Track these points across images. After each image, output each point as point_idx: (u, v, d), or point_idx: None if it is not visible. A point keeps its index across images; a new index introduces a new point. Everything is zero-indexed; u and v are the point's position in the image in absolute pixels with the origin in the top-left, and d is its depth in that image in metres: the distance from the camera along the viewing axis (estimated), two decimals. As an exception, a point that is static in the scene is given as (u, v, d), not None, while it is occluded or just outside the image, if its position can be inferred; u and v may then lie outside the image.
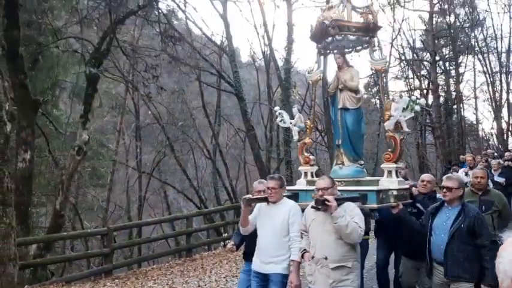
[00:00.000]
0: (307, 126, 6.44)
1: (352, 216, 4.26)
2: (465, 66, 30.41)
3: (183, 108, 24.20)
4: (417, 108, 5.36)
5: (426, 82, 28.01)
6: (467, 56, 29.58)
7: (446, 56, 27.99)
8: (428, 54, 27.03)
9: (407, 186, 5.64)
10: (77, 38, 16.33)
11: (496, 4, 37.84)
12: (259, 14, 20.75)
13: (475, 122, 33.61)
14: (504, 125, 32.46)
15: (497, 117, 32.59)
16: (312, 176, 6.29)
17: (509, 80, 32.62)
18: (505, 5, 30.01)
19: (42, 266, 10.71)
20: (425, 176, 5.87)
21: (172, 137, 23.52)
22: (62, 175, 12.14)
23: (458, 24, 27.82)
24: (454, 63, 28.45)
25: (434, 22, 25.80)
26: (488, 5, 32.48)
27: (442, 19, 26.97)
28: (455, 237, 4.30)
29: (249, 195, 4.91)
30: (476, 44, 29.73)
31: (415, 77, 26.30)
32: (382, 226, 6.18)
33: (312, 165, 6.38)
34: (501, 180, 10.25)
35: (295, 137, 6.54)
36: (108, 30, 13.60)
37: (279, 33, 41.48)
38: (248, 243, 5.26)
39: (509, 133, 33.03)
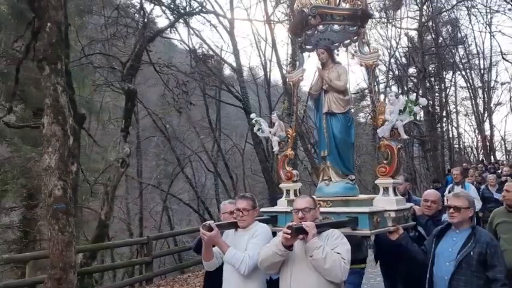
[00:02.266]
0: (289, 136, 5.04)
1: (334, 246, 3.00)
2: (450, 83, 29.51)
3: (179, 121, 22.78)
4: (416, 109, 3.98)
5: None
6: (453, 73, 28.66)
7: (432, 72, 26.87)
8: (413, 69, 25.97)
9: (408, 206, 4.23)
10: (104, 55, 15.92)
11: (478, 23, 37.10)
12: (256, 31, 19.87)
13: (456, 136, 32.78)
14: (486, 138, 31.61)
15: (481, 131, 31.56)
16: (295, 195, 4.86)
17: (491, 95, 31.76)
18: (487, 24, 29.17)
19: (88, 274, 10.51)
20: (430, 195, 4.49)
21: (173, 150, 21.96)
22: (107, 186, 11.90)
23: (441, 41, 26.81)
24: (437, 78, 27.44)
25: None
26: (470, 23, 31.52)
27: (428, 37, 25.93)
28: (462, 268, 3.29)
29: (210, 221, 3.48)
30: (460, 61, 28.86)
31: (403, 92, 25.05)
32: (382, 252, 4.80)
33: (295, 181, 4.94)
34: (500, 196, 8.45)
35: (275, 148, 5.12)
36: (141, 47, 13.38)
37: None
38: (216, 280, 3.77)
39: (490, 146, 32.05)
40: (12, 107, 10.31)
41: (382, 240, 4.36)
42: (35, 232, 13.25)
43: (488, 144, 31.28)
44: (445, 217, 4.45)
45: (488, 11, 27.47)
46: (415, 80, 25.86)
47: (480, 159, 27.91)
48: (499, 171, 15.10)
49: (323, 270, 2.92)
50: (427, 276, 3.52)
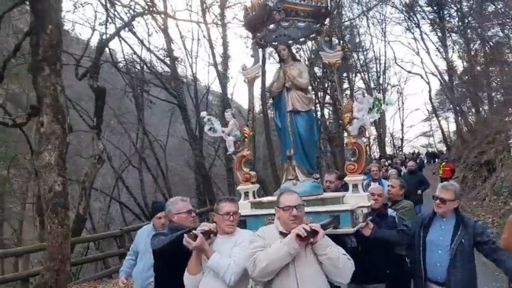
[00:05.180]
0: (245, 135, 4.67)
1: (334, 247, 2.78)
2: (350, 84, 31.35)
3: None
4: (385, 107, 3.90)
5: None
6: (354, 75, 30.55)
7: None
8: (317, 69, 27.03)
9: (372, 202, 4.14)
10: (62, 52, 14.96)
11: (376, 31, 40.31)
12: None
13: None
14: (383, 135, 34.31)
15: (376, 129, 34.13)
16: (254, 197, 4.53)
17: (384, 95, 34.46)
18: (383, 32, 31.62)
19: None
20: (375, 189, 4.47)
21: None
22: (84, 182, 11.88)
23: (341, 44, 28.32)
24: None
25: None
26: (369, 30, 33.99)
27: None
28: (457, 255, 3.43)
29: (195, 231, 2.97)
30: (359, 64, 30.87)
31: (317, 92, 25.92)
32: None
33: (253, 182, 4.60)
34: None
35: (231, 149, 4.69)
36: (103, 46, 13.60)
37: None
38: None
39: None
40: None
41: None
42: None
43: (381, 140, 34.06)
44: (390, 212, 4.53)
45: (383, 19, 29.85)
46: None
47: (378, 154, 30.06)
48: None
49: (335, 270, 2.67)
50: (421, 262, 3.58)
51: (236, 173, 4.72)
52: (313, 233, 2.61)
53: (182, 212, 3.52)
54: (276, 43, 4.43)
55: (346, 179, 4.02)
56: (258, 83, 17.19)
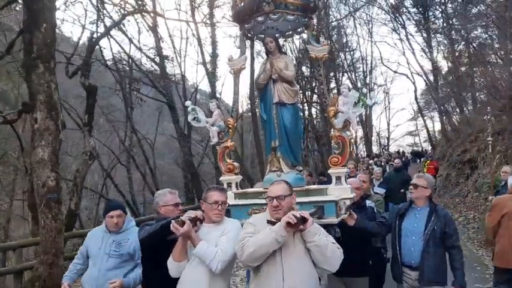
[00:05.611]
0: (230, 126, 4.63)
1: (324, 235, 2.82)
2: (337, 83, 31.50)
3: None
4: (369, 102, 3.94)
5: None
6: (341, 74, 30.71)
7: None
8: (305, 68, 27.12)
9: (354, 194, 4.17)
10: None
11: (362, 31, 40.74)
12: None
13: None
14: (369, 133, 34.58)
15: (363, 128, 34.38)
16: (237, 188, 4.50)
17: (371, 94, 34.67)
18: (369, 32, 31.89)
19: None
20: (353, 182, 4.50)
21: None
22: (76, 178, 12.04)
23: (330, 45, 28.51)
24: (327, 79, 29.07)
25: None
26: (356, 31, 34.23)
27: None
28: (430, 241, 3.70)
29: (183, 217, 2.95)
30: (346, 64, 31.07)
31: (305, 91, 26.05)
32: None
33: (237, 174, 4.57)
34: (381, 191, 8.38)
35: (214, 140, 4.62)
36: (94, 44, 13.81)
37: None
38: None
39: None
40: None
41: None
42: None
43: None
44: (369, 203, 4.63)
45: (369, 20, 30.10)
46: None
47: (366, 153, 30.32)
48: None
49: (323, 258, 2.69)
50: (397, 248, 3.85)
51: (219, 163, 4.69)
52: (303, 220, 2.63)
53: (169, 204, 3.51)
54: (263, 35, 4.45)
55: (329, 171, 4.04)
56: (246, 81, 17.32)
